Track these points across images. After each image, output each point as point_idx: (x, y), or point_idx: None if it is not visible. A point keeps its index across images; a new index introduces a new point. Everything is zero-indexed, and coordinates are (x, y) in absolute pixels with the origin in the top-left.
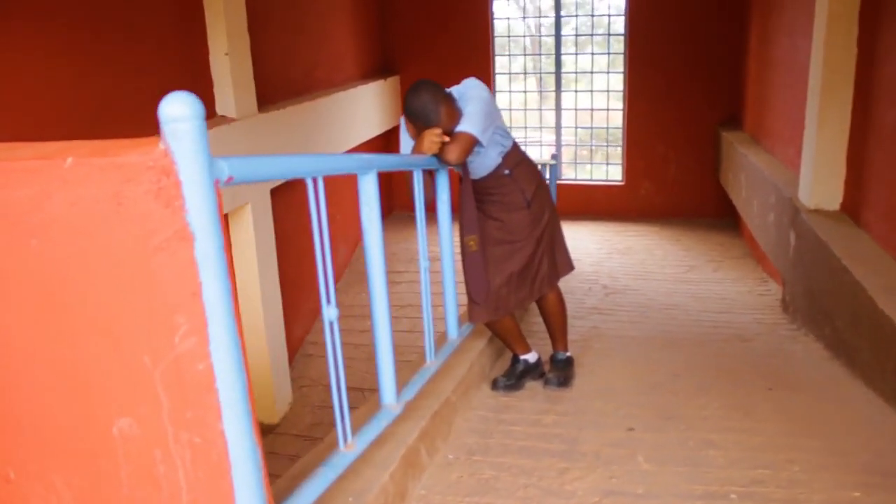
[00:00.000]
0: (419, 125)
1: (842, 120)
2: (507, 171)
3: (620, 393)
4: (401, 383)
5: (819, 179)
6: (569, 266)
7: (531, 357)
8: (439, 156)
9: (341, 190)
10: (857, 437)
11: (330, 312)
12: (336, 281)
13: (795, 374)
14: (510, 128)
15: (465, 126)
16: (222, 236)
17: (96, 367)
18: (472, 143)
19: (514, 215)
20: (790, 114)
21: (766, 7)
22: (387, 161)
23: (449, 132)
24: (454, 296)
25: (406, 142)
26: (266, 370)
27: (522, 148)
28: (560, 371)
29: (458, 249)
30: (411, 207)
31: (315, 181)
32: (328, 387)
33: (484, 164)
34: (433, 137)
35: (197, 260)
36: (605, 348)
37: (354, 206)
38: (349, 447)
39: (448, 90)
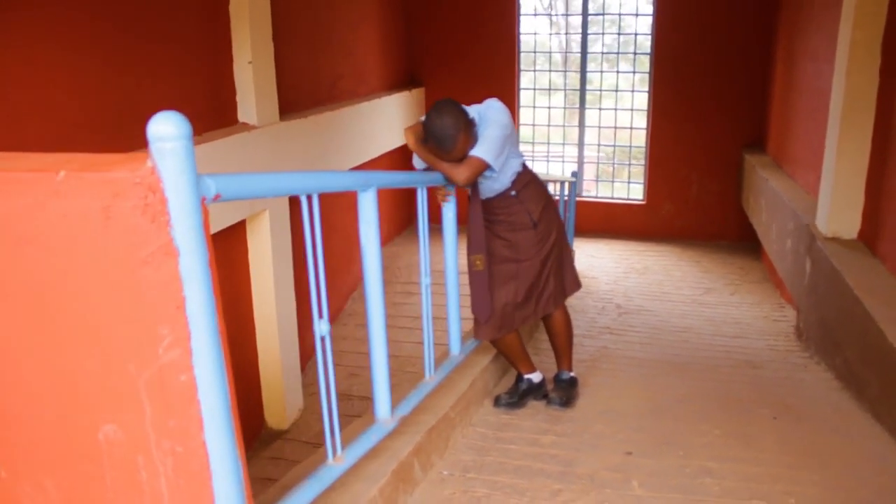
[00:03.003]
0: (432, 144)
1: (861, 149)
2: (513, 193)
3: (622, 416)
4: (402, 397)
5: (837, 207)
6: (576, 284)
7: (535, 377)
8: (448, 175)
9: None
10: (858, 472)
11: (322, 327)
12: (353, 290)
13: (802, 405)
14: (533, 143)
15: (480, 151)
16: (207, 252)
17: (84, 373)
18: (483, 168)
19: (521, 234)
20: (811, 139)
21: (792, 31)
22: (387, 178)
23: (464, 155)
24: (457, 312)
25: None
26: (278, 376)
27: (530, 166)
28: (563, 391)
29: (464, 267)
30: (435, 219)
31: (310, 198)
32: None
33: (493, 187)
34: (443, 192)
35: (181, 274)
36: (612, 369)
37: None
38: (338, 460)
39: (469, 108)
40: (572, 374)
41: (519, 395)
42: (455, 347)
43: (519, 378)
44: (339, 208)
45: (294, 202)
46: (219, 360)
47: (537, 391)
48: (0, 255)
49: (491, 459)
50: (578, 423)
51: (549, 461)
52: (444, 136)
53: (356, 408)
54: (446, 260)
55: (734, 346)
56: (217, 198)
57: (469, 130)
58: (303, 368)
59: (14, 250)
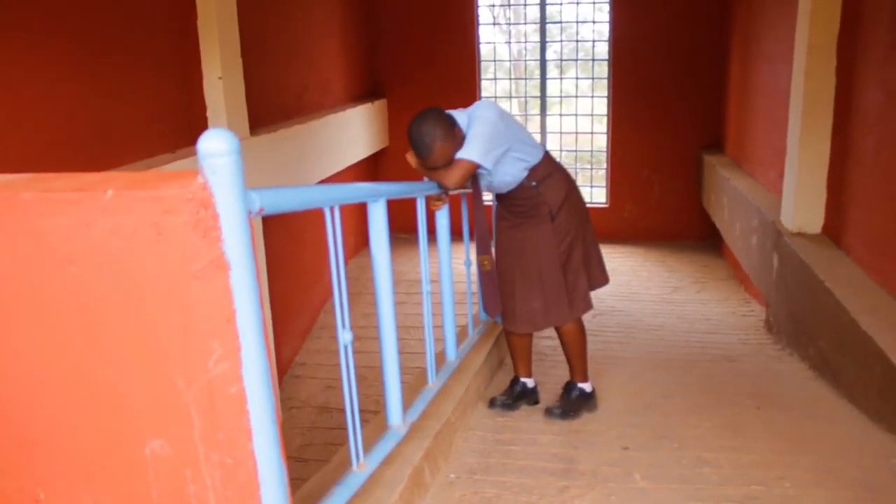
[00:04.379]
0: (414, 151)
1: (822, 146)
2: (533, 184)
3: (613, 413)
4: (407, 403)
5: (801, 203)
6: (602, 278)
7: (529, 382)
8: (438, 181)
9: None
10: (844, 455)
11: (345, 336)
12: (324, 303)
13: (782, 394)
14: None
15: (465, 152)
16: (255, 265)
17: (131, 390)
18: (471, 169)
19: (539, 229)
20: (771, 138)
21: (747, 34)
22: (394, 189)
23: (449, 161)
24: (453, 318)
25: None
26: None
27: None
28: (565, 402)
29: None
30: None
31: (332, 210)
32: (318, 408)
33: (504, 180)
34: (435, 199)
35: (232, 288)
36: (596, 369)
37: (345, 223)
38: (361, 467)
39: (458, 112)
40: (583, 386)
41: (514, 398)
42: (451, 353)
43: (515, 380)
44: (307, 223)
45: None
46: (265, 371)
47: (530, 396)
48: (50, 273)
49: (494, 461)
50: (573, 423)
51: (550, 460)
52: (419, 143)
53: (335, 419)
54: (441, 264)
55: (709, 342)
56: (261, 211)
57: (450, 136)
58: (280, 384)
59: (63, 269)
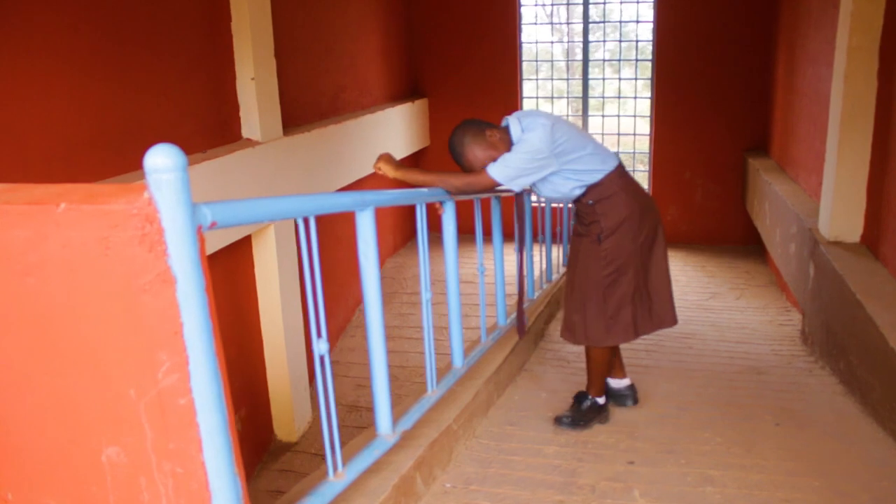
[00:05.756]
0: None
1: (862, 152)
2: (590, 202)
3: (626, 424)
4: (405, 410)
5: (838, 211)
6: (666, 319)
7: (600, 399)
8: (443, 184)
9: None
10: (858, 478)
11: (321, 346)
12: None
13: (806, 410)
14: None
15: (492, 169)
16: (204, 279)
17: (87, 398)
18: (487, 187)
19: (588, 247)
20: (813, 143)
21: (793, 35)
22: (385, 197)
23: (486, 160)
24: (459, 325)
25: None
26: (286, 389)
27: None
28: (575, 411)
29: (464, 277)
30: (435, 227)
31: (306, 221)
32: (347, 406)
33: (552, 196)
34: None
35: (178, 301)
36: None
37: (380, 226)
38: (339, 476)
39: (514, 118)
40: (593, 398)
41: (582, 416)
42: (458, 360)
43: (583, 396)
44: (344, 220)
45: None
46: (216, 384)
47: (602, 413)
48: (4, 285)
49: (493, 471)
50: (582, 433)
51: (551, 472)
52: (452, 153)
53: (364, 419)
54: (447, 271)
55: (738, 352)
56: (213, 225)
57: (479, 141)
58: (311, 381)
59: (18, 280)
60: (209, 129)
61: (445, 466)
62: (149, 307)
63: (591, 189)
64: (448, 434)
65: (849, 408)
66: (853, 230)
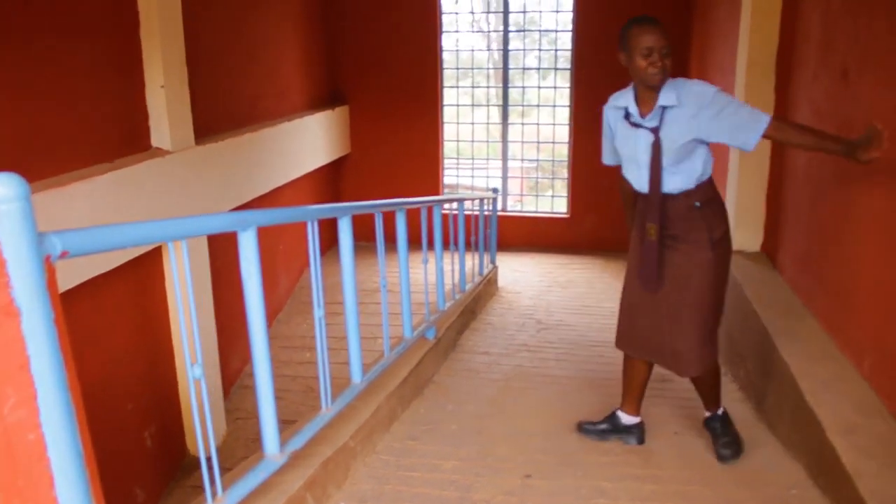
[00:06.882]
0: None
1: (761, 164)
2: (697, 204)
3: (528, 436)
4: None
5: (740, 221)
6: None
7: (627, 419)
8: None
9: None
10: (750, 485)
11: (195, 371)
12: (278, 311)
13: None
14: (458, 158)
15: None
16: (52, 310)
17: None
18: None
19: (685, 257)
20: (720, 151)
21: (704, 43)
22: (269, 216)
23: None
24: (357, 339)
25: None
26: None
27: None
28: (600, 422)
29: (365, 288)
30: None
31: (178, 245)
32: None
33: (672, 178)
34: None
35: (24, 334)
36: (525, 388)
37: (299, 236)
38: (218, 502)
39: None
40: (634, 417)
41: (604, 426)
42: (356, 376)
43: (613, 413)
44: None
45: None
46: (69, 417)
47: (624, 433)
48: None
49: (390, 488)
50: (483, 446)
51: (447, 487)
52: (648, 21)
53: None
54: (344, 284)
55: None
56: (65, 254)
57: None
58: (226, 394)
59: None
60: (117, 139)
61: (341, 485)
62: None
63: (700, 187)
64: (344, 451)
65: (746, 414)
66: (754, 240)
